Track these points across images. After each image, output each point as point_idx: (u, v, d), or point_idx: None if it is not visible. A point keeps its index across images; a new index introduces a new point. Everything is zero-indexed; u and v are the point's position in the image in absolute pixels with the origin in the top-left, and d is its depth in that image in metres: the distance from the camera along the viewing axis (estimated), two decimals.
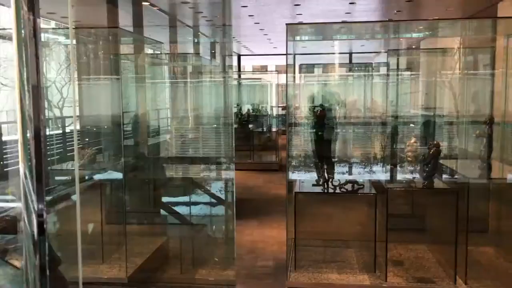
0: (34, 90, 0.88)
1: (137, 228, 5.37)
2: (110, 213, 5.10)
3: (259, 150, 11.30)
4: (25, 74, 0.86)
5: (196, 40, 9.15)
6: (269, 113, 12.49)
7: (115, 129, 5.42)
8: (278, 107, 13.39)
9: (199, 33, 9.83)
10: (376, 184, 4.93)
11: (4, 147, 7.19)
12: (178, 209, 5.42)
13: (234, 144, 4.92)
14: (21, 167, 0.89)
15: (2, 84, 7.72)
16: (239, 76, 13.83)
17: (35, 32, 0.86)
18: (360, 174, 5.77)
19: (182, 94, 6.92)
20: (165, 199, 5.67)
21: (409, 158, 4.79)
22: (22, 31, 0.85)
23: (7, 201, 4.37)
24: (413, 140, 4.93)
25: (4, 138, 7.25)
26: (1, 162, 6.55)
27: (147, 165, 5.85)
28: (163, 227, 5.59)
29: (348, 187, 4.82)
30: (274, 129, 12.11)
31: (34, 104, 0.88)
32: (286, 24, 4.03)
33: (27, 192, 0.89)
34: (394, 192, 4.59)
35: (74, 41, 7.54)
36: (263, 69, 20.71)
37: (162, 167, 5.85)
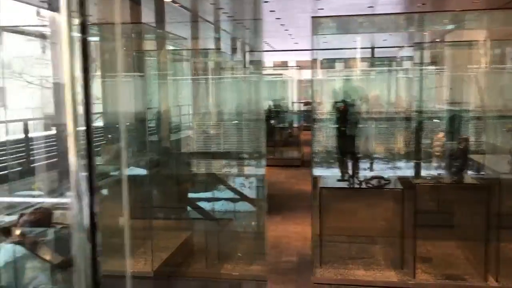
0: (84, 86, 0.88)
1: (164, 223, 5.39)
2: (136, 208, 5.13)
3: (281, 146, 11.27)
4: (76, 70, 0.86)
5: (224, 36, 9.15)
6: (290, 108, 12.44)
7: (139, 125, 5.46)
8: (300, 102, 13.32)
9: (227, 29, 9.81)
10: (402, 179, 4.86)
11: (30, 143, 7.30)
12: (206, 204, 5.43)
13: (265, 140, 4.90)
14: (72, 160, 0.89)
15: (27, 82, 7.83)
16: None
17: (84, 31, 0.86)
18: (384, 170, 5.70)
19: (212, 90, 6.92)
20: (194, 194, 5.68)
21: (437, 153, 4.70)
22: (72, 31, 0.85)
23: (33, 196, 4.44)
24: (441, 135, 4.84)
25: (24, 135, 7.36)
26: (29, 158, 6.66)
27: (180, 161, 5.87)
28: (192, 222, 5.58)
29: (374, 182, 4.76)
30: (295, 125, 12.06)
31: (85, 99, 0.88)
32: (312, 17, 3.98)
33: (78, 185, 0.89)
34: (422, 188, 4.51)
35: (97, 38, 7.61)
36: (283, 65, 20.63)
37: (191, 163, 5.86)
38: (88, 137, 0.88)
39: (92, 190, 0.90)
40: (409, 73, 7.86)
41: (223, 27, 9.48)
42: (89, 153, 0.89)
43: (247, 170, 5.86)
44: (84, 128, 0.88)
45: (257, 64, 6.84)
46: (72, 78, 0.86)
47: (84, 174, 0.89)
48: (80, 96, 0.86)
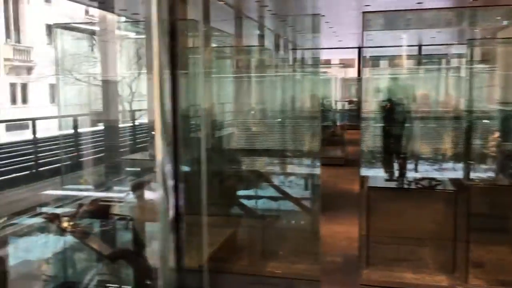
0: (172, 83, 0.87)
1: (214, 219, 5.40)
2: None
3: (324, 145, 11.12)
4: (166, 67, 0.85)
5: (286, 34, 9.08)
6: (333, 107, 12.29)
7: (183, 122, 5.49)
8: (344, 101, 13.13)
9: (288, 26, 9.71)
10: (454, 181, 4.68)
11: (79, 138, 7.52)
12: (257, 202, 5.41)
13: (320, 139, 4.84)
14: (159, 154, 0.87)
15: (76, 79, 8.06)
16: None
17: (174, 31, 0.85)
18: (429, 172, 5.53)
19: (267, 88, 6.91)
20: (243, 192, 5.66)
21: (493, 154, 4.51)
22: (162, 29, 0.84)
23: (80, 189, 4.56)
24: (496, 135, 4.64)
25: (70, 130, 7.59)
26: (78, 153, 6.85)
27: (226, 159, 5.88)
28: (243, 220, 5.56)
29: (424, 183, 4.61)
30: (338, 124, 11.90)
31: (172, 95, 0.87)
32: (363, 12, 3.88)
33: (165, 178, 0.87)
34: (476, 190, 4.33)
35: (135, 35, 7.72)
36: (326, 63, 20.41)
37: (240, 160, 5.85)
38: (175, 131, 0.87)
39: (177, 183, 0.88)
40: (459, 71, 7.60)
41: (279, 25, 9.38)
42: (175, 147, 0.87)
43: (300, 169, 5.81)
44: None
45: (315, 62, 6.81)
46: (161, 76, 0.85)
47: (170, 168, 0.87)
48: (167, 92, 0.85)
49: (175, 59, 0.86)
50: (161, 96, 0.85)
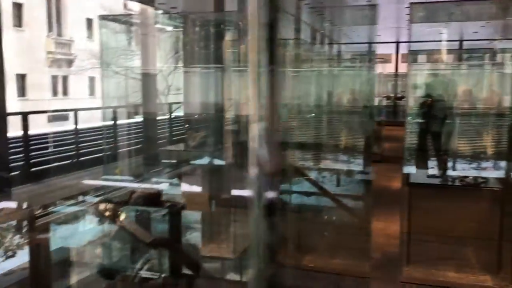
0: (270, 77, 0.87)
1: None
2: (218, 196, 5.19)
3: None
4: (264, 64, 0.86)
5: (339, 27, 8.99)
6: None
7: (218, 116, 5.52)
8: (382, 97, 12.89)
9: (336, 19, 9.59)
10: (500, 179, 4.54)
11: (117, 130, 7.66)
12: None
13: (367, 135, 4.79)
14: (253, 145, 0.88)
15: (115, 72, 8.20)
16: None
17: (272, 27, 0.85)
18: (466, 170, 5.39)
19: (322, 81, 6.88)
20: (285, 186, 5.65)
21: None
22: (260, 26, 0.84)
23: (116, 180, 4.64)
24: None
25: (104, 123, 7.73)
26: (115, 144, 6.99)
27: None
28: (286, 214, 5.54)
29: (469, 180, 4.49)
30: (375, 119, 11.70)
31: (271, 89, 0.88)
32: (411, 3, 3.78)
33: (259, 167, 0.88)
34: None
35: (170, 28, 7.74)
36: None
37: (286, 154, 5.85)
38: (272, 122, 0.87)
39: (274, 172, 0.88)
40: (504, 67, 7.36)
41: (318, 19, 9.26)
42: (272, 141, 0.88)
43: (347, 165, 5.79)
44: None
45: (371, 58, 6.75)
46: (258, 71, 0.86)
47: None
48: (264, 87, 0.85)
49: (274, 56, 0.87)
50: (258, 89, 0.85)
